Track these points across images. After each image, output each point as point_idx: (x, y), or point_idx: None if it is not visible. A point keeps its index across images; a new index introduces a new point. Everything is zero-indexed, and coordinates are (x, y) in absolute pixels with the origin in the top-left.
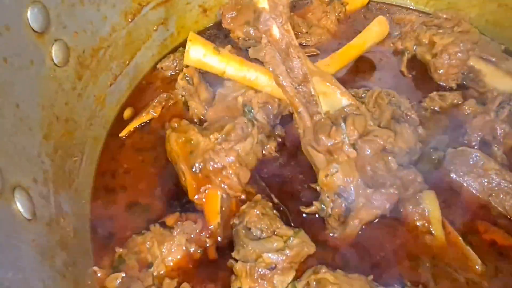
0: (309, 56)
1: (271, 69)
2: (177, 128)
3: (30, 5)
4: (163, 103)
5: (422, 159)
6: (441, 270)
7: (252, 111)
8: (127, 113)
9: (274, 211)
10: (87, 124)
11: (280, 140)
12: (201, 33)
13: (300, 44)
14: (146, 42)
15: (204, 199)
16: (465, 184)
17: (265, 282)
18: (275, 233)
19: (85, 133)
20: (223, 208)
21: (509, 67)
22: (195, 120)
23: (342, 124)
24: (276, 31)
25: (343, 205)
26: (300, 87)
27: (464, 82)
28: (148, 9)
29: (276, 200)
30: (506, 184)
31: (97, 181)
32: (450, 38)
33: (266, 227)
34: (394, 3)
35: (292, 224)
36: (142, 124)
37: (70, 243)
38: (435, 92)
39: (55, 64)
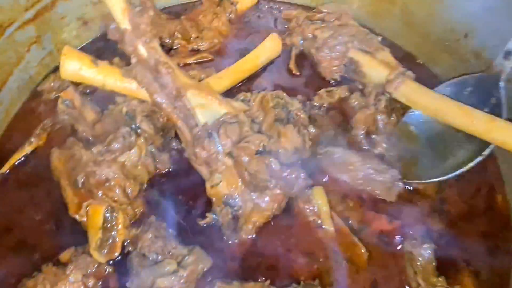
0: (203, 61)
1: (144, 88)
2: (62, 145)
3: None
4: (48, 130)
5: (313, 157)
6: (334, 262)
7: (135, 118)
8: None
9: (170, 230)
10: None
11: (175, 153)
12: (86, 47)
13: (193, 50)
14: (18, 64)
15: (89, 214)
16: (341, 179)
17: None
18: (171, 253)
19: None
20: (108, 225)
21: (384, 56)
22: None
23: (215, 135)
24: (142, 50)
25: (231, 212)
26: (177, 102)
27: (347, 75)
28: (13, 29)
29: (175, 216)
30: (371, 172)
31: None
32: (329, 31)
33: (161, 249)
34: (282, 0)
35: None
36: (26, 156)
37: None
38: (323, 89)
39: None
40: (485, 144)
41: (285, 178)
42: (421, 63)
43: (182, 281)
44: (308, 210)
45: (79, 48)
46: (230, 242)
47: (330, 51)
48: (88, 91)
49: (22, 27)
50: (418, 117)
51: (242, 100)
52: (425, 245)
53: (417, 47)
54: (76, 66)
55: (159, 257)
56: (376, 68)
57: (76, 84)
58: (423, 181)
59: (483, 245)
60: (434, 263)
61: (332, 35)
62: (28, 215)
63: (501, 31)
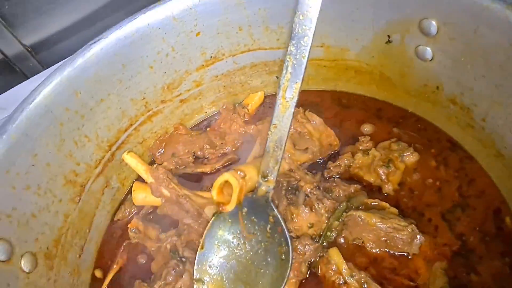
0: (230, 164)
1: (175, 217)
2: None
3: None
4: (127, 250)
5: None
6: None
7: (177, 252)
8: (98, 273)
9: None
10: None
11: None
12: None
13: (222, 154)
14: (98, 207)
15: None
16: (361, 241)
17: None
18: None
19: None
20: None
21: None
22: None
23: None
24: (166, 192)
25: None
26: (199, 220)
27: None
28: (90, 184)
29: None
30: (391, 230)
31: None
32: None
33: None
34: None
35: None
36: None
37: None
38: (330, 163)
39: (27, 273)
40: None
41: (296, 249)
42: (412, 112)
43: None
44: (330, 271)
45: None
46: None
47: None
48: (150, 211)
49: (95, 180)
50: None
51: None
52: None
53: (404, 102)
54: (143, 195)
55: None
56: None
57: (140, 208)
58: None
59: (503, 266)
60: None
61: None
62: None
63: (461, 81)
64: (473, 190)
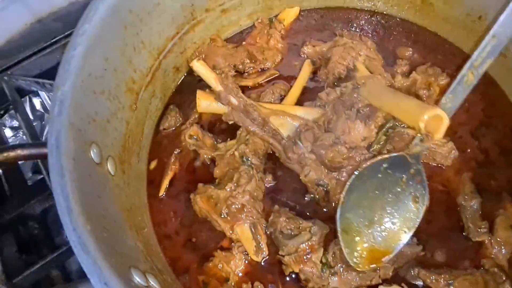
0: (272, 79)
1: (241, 124)
2: (197, 191)
3: (89, 147)
4: (178, 157)
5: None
6: None
7: (249, 159)
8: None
9: (294, 212)
10: (136, 199)
11: (272, 171)
12: (179, 87)
13: (262, 70)
14: (146, 116)
15: (238, 233)
16: None
17: (307, 262)
18: (300, 228)
19: (138, 206)
20: (253, 234)
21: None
22: (208, 162)
23: (298, 141)
24: (234, 101)
25: (323, 189)
26: (265, 128)
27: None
28: (142, 92)
29: (293, 204)
30: (433, 147)
31: (158, 234)
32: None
33: (293, 226)
34: (319, 7)
35: (308, 214)
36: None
37: None
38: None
39: (112, 176)
40: None
41: (353, 158)
42: (445, 38)
43: (315, 243)
44: None
45: (179, 83)
46: (326, 210)
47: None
48: (196, 121)
49: (146, 89)
50: None
51: (319, 106)
52: (474, 200)
53: (440, 28)
54: (207, 103)
55: (294, 232)
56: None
57: (187, 118)
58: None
59: None
60: (480, 212)
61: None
62: (183, 222)
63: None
64: (494, 111)
